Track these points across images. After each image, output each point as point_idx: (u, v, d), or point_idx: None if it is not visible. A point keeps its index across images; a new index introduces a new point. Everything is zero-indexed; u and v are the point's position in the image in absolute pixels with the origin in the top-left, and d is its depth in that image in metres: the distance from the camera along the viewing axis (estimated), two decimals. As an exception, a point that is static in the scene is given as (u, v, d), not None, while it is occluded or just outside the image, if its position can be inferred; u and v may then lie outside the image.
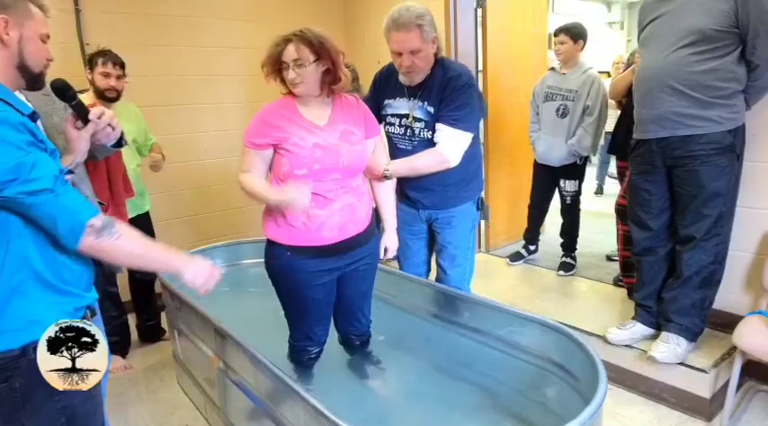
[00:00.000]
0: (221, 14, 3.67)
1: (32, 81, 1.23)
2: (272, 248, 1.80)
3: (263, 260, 3.04)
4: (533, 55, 4.04)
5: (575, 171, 3.37)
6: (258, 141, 1.71)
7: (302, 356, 1.96)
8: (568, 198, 3.44)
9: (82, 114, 1.36)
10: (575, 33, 3.19)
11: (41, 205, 1.06)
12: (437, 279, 2.39)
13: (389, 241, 2.07)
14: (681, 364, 2.22)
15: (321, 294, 1.83)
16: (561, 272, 3.45)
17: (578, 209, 3.50)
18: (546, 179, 3.48)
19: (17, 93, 1.25)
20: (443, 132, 2.08)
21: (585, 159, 3.38)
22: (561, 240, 3.58)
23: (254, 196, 1.73)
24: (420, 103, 2.12)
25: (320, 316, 1.90)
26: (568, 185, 3.40)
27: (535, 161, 3.52)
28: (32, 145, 1.07)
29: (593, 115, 3.17)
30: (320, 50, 1.63)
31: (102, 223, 1.12)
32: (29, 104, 1.20)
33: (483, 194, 2.46)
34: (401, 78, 2.14)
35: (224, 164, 3.84)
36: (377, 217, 2.00)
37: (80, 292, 1.23)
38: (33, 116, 1.19)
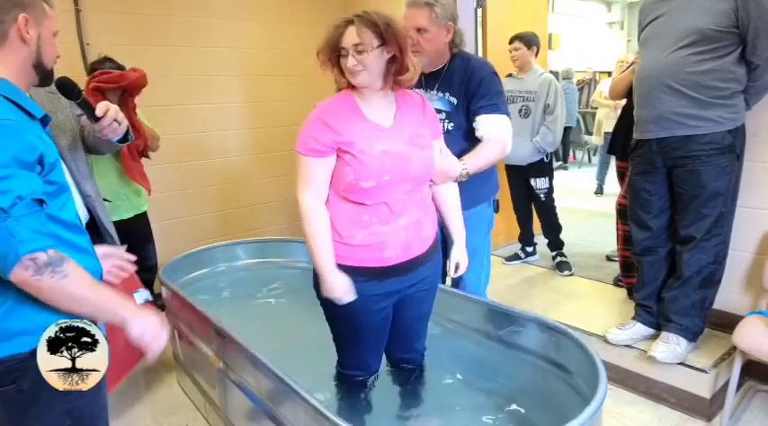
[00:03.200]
0: (221, 14, 3.67)
1: (45, 78, 1.21)
2: None
3: (262, 260, 3.11)
4: (533, 55, 4.04)
5: (543, 168, 3.53)
6: (318, 146, 1.44)
7: (351, 384, 1.77)
8: (541, 195, 3.57)
9: (88, 111, 1.36)
10: (527, 40, 3.42)
11: None
12: (452, 285, 2.29)
13: (460, 255, 1.75)
14: (681, 364, 2.22)
15: (377, 321, 1.61)
16: (566, 272, 3.48)
17: (554, 206, 3.63)
18: (518, 180, 3.63)
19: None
20: (490, 120, 1.98)
21: (552, 157, 3.57)
22: (547, 240, 3.67)
23: (308, 243, 1.50)
24: (440, 94, 2.06)
25: (375, 344, 1.70)
26: (539, 183, 3.55)
27: (506, 165, 3.64)
28: (18, 161, 1.02)
29: (554, 113, 3.38)
30: (386, 34, 1.39)
31: (47, 259, 1.02)
32: (41, 107, 1.18)
33: (498, 195, 2.31)
34: None
35: (224, 164, 3.85)
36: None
37: None
38: (45, 119, 1.17)
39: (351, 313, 1.56)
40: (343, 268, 1.51)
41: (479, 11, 3.65)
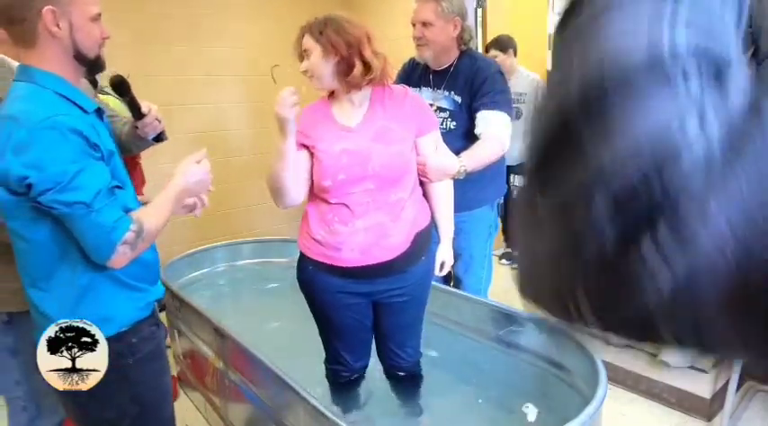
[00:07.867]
0: (222, 14, 3.67)
1: (91, 66, 1.18)
2: (300, 260, 1.65)
3: (263, 260, 3.11)
4: (533, 55, 4.04)
5: (522, 166, 3.68)
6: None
7: (335, 378, 1.81)
8: (515, 191, 3.71)
9: (134, 109, 1.42)
10: (502, 45, 3.44)
11: (73, 217, 1.02)
12: (453, 287, 2.29)
13: (446, 254, 1.75)
14: (681, 364, 2.22)
15: (349, 319, 1.64)
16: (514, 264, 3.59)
17: None
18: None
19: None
20: (489, 118, 1.96)
21: None
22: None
23: (276, 161, 1.51)
24: (445, 93, 2.07)
25: (349, 343, 1.72)
26: (517, 180, 3.69)
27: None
28: (84, 153, 1.04)
29: None
30: (320, 41, 1.43)
31: (135, 233, 1.09)
32: (94, 101, 1.19)
33: (502, 199, 2.23)
34: (417, 56, 2.09)
35: (224, 164, 3.84)
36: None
37: (146, 286, 1.25)
38: (99, 112, 1.17)
39: (322, 307, 1.66)
40: (311, 261, 1.59)
41: (479, 11, 3.66)
